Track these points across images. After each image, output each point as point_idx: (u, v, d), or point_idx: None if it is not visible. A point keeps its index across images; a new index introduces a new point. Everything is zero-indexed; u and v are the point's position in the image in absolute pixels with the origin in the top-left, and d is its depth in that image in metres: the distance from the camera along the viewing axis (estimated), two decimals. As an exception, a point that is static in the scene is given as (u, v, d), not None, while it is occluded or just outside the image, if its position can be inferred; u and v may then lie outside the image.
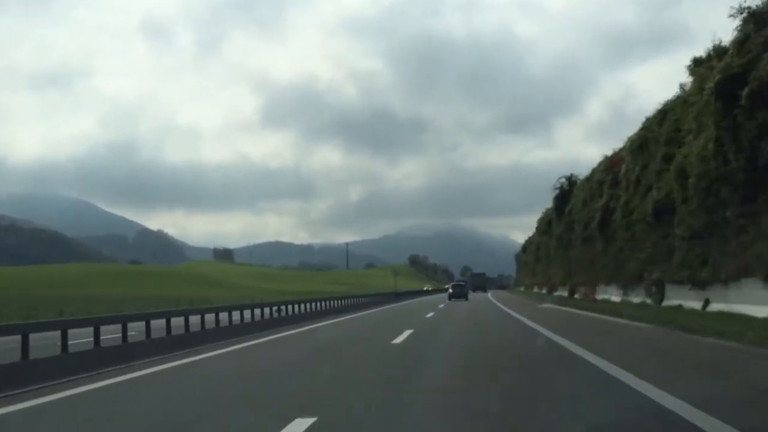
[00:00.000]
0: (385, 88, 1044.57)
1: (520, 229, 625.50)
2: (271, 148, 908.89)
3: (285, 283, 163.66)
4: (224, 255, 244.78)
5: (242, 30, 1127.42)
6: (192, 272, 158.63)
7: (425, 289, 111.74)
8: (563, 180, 52.31)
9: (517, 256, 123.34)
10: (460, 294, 54.89)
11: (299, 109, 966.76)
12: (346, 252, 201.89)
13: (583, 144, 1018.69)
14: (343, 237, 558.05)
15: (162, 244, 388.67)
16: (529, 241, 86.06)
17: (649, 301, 24.13)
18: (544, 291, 58.89)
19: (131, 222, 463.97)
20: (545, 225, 60.96)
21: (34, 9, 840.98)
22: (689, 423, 5.60)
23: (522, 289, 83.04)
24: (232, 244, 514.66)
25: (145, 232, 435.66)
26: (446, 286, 78.99)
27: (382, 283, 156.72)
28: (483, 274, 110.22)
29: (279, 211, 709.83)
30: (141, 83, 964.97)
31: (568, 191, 51.11)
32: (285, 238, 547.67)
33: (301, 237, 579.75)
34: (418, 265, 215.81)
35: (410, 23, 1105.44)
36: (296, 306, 25.27)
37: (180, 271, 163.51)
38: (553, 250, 54.07)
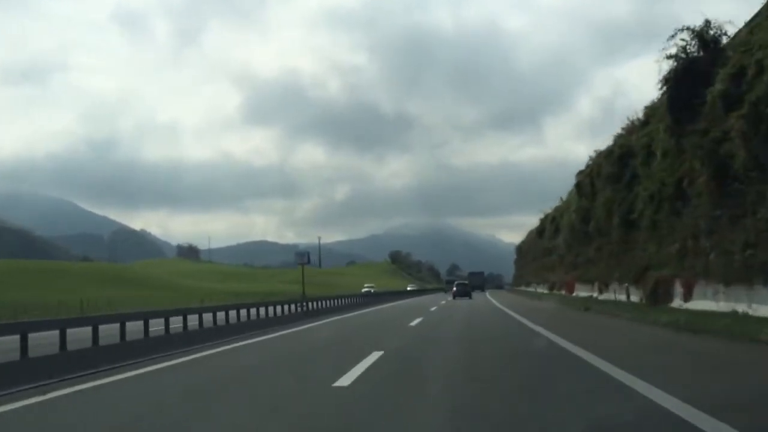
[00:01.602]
0: (370, 84, 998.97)
1: (508, 229, 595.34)
2: (254, 146, 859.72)
3: (240, 282, 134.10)
4: (190, 253, 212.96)
5: (222, 22, 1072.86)
6: (130, 271, 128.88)
7: (364, 291, 60.80)
8: (683, 39, 21.12)
9: (519, 248, 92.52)
10: (463, 293, 52.99)
11: (283, 106, 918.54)
12: (318, 249, 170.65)
13: (572, 142, 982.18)
14: (329, 236, 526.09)
15: (140, 243, 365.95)
16: (547, 220, 55.13)
17: None
18: (602, 294, 27.92)
19: (113, 221, 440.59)
20: (614, 164, 29.53)
21: (4, 1, 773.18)
22: None
23: (541, 290, 52.05)
24: (216, 244, 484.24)
25: (121, 231, 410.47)
26: (409, 287, 68.41)
27: (356, 281, 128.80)
28: (481, 273, 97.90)
29: (265, 211, 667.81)
30: (119, 78, 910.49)
31: (699, 60, 20.16)
32: (271, 238, 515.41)
33: (287, 237, 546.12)
34: (399, 262, 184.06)
35: (396, 16, 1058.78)
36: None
37: (122, 270, 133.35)
38: (656, 205, 22.79)
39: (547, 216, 56.05)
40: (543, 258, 55.00)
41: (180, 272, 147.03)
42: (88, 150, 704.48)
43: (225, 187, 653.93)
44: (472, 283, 68.57)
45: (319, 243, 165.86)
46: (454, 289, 54.97)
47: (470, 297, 51.22)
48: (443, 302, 42.28)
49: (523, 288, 71.33)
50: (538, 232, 59.18)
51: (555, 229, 49.89)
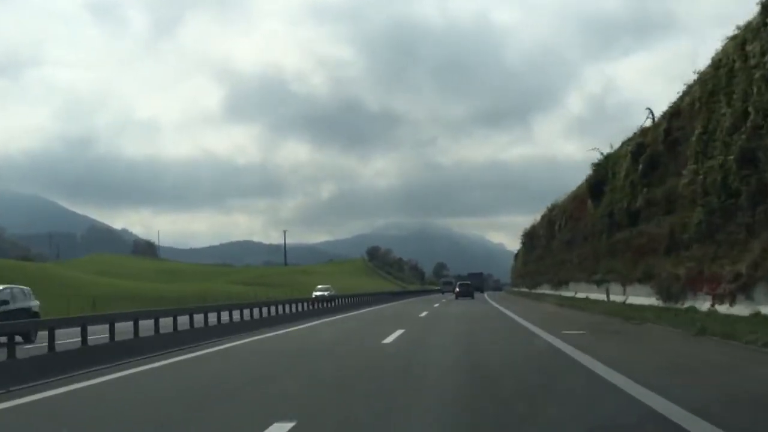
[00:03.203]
0: (355, 79, 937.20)
1: (496, 229, 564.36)
2: (236, 143, 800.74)
3: (173, 282, 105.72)
4: (147, 250, 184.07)
5: (200, 13, 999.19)
6: (39, 270, 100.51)
7: None
8: None
9: (529, 235, 64.51)
10: (466, 293, 52.66)
11: (265, 101, 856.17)
12: (284, 246, 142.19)
13: (562, 140, 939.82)
14: (315, 236, 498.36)
15: (114, 242, 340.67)
16: (622, 153, 26.80)
17: None
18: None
19: (92, 220, 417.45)
20: None
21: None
22: None
23: (600, 295, 24.01)
24: (200, 243, 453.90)
25: (94, 230, 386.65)
26: (317, 293, 46.39)
27: (322, 281, 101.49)
28: (480, 274, 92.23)
29: (249, 210, 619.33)
30: (95, 72, 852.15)
31: None
32: (256, 238, 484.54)
33: (273, 236, 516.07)
34: (377, 259, 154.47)
35: (381, 9, 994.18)
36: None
37: (28, 268, 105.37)
38: None
39: (619, 150, 27.68)
40: (613, 234, 26.49)
41: (116, 270, 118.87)
42: (66, 147, 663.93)
43: (208, 186, 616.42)
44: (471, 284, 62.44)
45: (285, 238, 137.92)
46: (457, 289, 55.49)
47: (473, 297, 51.45)
48: (396, 335, 14.69)
49: (547, 291, 43.24)
50: (591, 188, 30.54)
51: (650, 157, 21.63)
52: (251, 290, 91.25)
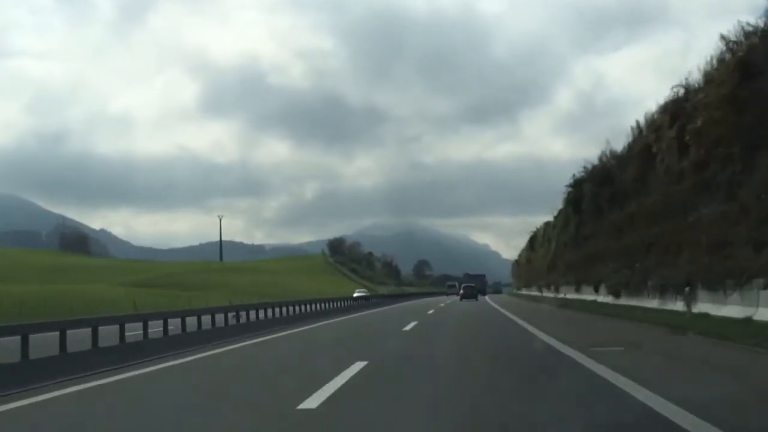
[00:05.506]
0: (338, 73, 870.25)
1: (481, 230, 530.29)
2: (216, 140, 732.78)
3: (60, 281, 71.48)
4: (78, 246, 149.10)
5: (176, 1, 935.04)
6: None
7: None
8: None
9: (593, 184, 29.39)
10: (470, 295, 51.09)
11: (245, 96, 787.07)
12: (219, 239, 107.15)
13: (550, 138, 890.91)
14: (299, 237, 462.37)
15: (83, 241, 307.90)
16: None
17: None
18: None
19: (66, 220, 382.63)
20: None
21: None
22: None
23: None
24: (182, 244, 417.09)
25: (61, 228, 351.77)
26: None
27: (264, 279, 68.78)
28: (483, 276, 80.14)
29: (232, 210, 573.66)
30: (67, 63, 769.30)
31: None
32: (238, 238, 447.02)
33: (256, 237, 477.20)
34: (341, 255, 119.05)
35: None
36: None
37: None
38: None
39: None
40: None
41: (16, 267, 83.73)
42: (40, 143, 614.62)
43: (189, 186, 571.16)
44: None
45: (220, 228, 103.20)
46: (461, 291, 53.00)
47: (476, 299, 49.12)
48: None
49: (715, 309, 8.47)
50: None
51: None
52: (130, 294, 56.69)
